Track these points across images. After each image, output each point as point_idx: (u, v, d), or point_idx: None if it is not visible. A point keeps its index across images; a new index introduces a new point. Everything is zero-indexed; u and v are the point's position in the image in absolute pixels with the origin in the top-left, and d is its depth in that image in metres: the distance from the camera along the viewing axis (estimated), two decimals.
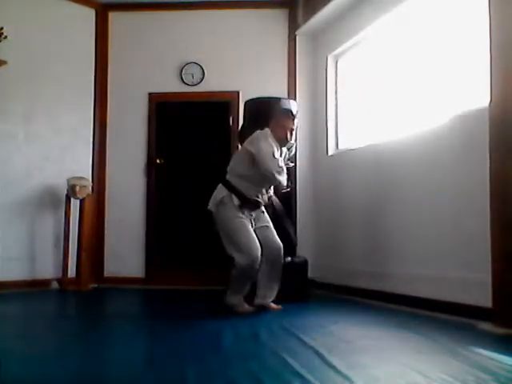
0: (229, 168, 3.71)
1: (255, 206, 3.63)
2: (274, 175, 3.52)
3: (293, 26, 5.54)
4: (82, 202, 5.15)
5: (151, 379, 2.02)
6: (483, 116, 3.10)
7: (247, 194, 3.57)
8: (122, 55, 5.73)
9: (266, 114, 4.29)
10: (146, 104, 5.68)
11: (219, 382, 1.97)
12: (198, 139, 5.62)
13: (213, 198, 3.63)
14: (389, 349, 2.52)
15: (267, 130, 3.65)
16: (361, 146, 4.64)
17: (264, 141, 3.57)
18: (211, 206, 3.62)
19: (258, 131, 3.68)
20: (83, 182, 5.16)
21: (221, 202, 3.56)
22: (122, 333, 3.00)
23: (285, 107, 4.11)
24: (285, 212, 4.16)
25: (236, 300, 3.58)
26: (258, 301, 3.67)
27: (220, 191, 3.61)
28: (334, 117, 5.22)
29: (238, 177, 3.60)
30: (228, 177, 3.65)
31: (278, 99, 4.44)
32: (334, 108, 5.22)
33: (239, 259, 3.47)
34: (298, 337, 2.73)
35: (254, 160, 3.55)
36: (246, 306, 3.59)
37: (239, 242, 3.50)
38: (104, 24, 5.71)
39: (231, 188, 3.58)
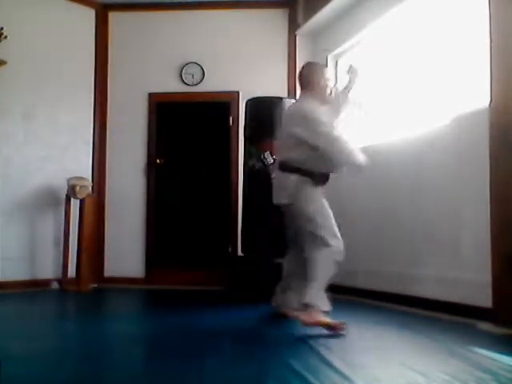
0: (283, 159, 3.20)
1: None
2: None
3: (293, 26, 5.54)
4: (82, 201, 5.15)
5: (151, 379, 2.03)
6: (483, 117, 3.10)
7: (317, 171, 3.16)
8: (122, 55, 5.73)
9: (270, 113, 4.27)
10: (146, 104, 5.69)
11: (219, 382, 1.97)
12: (198, 139, 5.62)
13: (281, 189, 3.16)
14: (389, 349, 2.52)
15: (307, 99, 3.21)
16: (361, 146, 4.63)
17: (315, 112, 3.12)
18: (283, 198, 3.15)
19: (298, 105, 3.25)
20: (83, 182, 5.16)
21: (296, 188, 3.09)
22: (122, 333, 2.99)
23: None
24: None
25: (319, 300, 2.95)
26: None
27: (287, 179, 3.13)
28: None
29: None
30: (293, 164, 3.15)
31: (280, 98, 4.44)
32: None
33: (336, 243, 3.07)
34: (298, 337, 2.73)
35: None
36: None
37: (332, 225, 3.11)
38: (104, 24, 5.71)
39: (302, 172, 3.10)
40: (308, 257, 3.03)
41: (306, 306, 2.88)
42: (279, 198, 3.18)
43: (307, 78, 3.25)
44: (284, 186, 3.15)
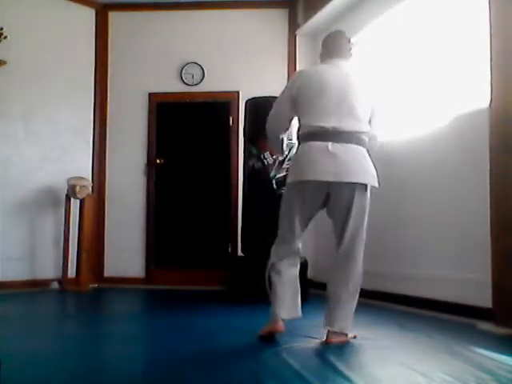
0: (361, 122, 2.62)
1: None
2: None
3: (293, 26, 5.55)
4: (82, 202, 5.14)
5: (151, 379, 2.03)
6: (483, 117, 3.10)
7: None
8: (122, 55, 5.73)
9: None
10: (146, 104, 5.68)
11: (219, 382, 1.97)
12: (198, 139, 5.63)
13: (366, 168, 2.70)
14: (389, 349, 2.52)
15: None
16: None
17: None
18: (370, 178, 2.73)
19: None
20: (83, 182, 5.16)
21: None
22: (122, 333, 2.99)
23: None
24: None
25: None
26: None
27: (368, 160, 2.71)
28: None
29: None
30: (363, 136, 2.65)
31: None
32: None
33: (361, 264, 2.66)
34: (298, 337, 2.72)
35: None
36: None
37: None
38: (104, 24, 5.71)
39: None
40: (353, 264, 2.63)
41: (340, 332, 2.56)
42: (359, 176, 2.62)
43: (350, 46, 2.78)
44: (367, 165, 2.68)
